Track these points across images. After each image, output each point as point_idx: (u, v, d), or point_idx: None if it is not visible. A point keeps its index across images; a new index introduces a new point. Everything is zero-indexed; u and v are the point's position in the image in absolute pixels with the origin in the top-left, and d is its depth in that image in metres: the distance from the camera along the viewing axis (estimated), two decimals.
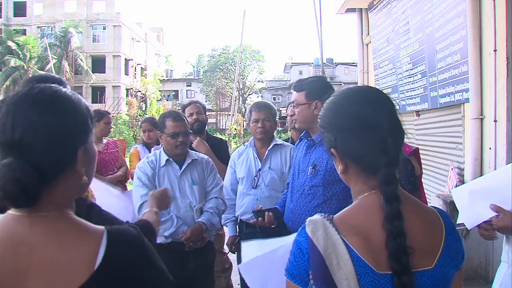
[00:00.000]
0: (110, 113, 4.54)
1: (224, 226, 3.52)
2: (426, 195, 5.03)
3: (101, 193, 2.59)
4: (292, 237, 1.46)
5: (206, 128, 3.75)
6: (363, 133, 1.02)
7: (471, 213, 1.91)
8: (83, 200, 0.98)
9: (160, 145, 2.94)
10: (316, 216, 1.00)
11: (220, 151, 3.68)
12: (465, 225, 1.95)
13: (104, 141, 4.31)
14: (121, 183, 4.17)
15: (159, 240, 2.67)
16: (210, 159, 3.00)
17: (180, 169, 2.80)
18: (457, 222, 1.93)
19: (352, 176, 1.07)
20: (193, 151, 2.99)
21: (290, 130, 3.90)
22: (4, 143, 0.86)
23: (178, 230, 2.67)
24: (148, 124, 4.41)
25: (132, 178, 3.86)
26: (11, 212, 0.88)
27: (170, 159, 2.79)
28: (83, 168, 0.92)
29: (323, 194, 2.19)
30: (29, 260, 0.83)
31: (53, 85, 0.93)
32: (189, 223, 2.73)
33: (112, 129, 4.54)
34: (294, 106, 2.35)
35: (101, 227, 0.90)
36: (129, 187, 4.46)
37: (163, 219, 2.64)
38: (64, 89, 0.93)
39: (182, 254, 2.69)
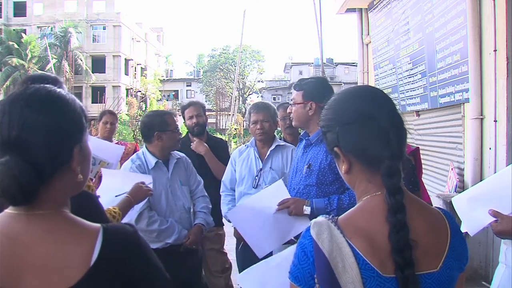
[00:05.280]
0: (113, 112, 4.30)
1: (223, 226, 3.52)
2: None
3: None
4: (285, 252, 1.51)
5: (206, 128, 3.73)
6: (365, 125, 1.02)
7: (472, 220, 1.94)
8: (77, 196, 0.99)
9: None
10: (321, 218, 0.99)
11: (220, 151, 3.67)
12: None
13: (114, 141, 4.13)
14: None
15: (157, 245, 2.64)
16: (186, 157, 3.00)
17: (168, 170, 2.79)
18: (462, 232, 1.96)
19: (357, 175, 1.05)
20: None
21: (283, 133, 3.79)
22: (1, 142, 0.87)
23: (180, 235, 2.68)
24: None
25: None
26: (8, 210, 0.90)
27: (160, 161, 2.76)
28: (79, 167, 0.93)
29: (316, 193, 2.24)
30: (26, 258, 0.84)
31: (48, 85, 0.95)
32: (185, 226, 2.74)
33: (116, 129, 4.28)
34: (292, 104, 2.41)
35: (97, 225, 0.91)
36: None
37: (164, 227, 2.64)
38: (58, 89, 0.95)
39: (178, 255, 2.69)
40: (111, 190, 2.33)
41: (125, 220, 2.59)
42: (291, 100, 2.44)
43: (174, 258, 2.64)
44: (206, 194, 2.97)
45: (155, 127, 2.76)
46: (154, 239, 2.64)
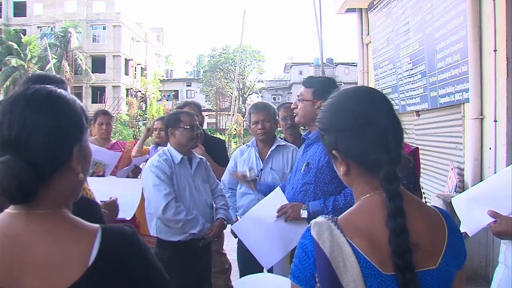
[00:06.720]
0: (106, 111, 4.26)
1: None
2: (426, 195, 5.05)
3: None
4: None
5: (206, 128, 3.73)
6: (363, 131, 1.02)
7: (471, 220, 1.95)
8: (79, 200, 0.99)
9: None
10: (321, 218, 0.99)
11: (218, 152, 3.66)
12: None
13: (113, 141, 4.11)
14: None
15: (179, 237, 2.73)
16: (205, 159, 3.08)
17: (191, 168, 2.87)
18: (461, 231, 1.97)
19: (355, 177, 1.06)
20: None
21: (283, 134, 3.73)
22: (1, 142, 0.88)
23: (204, 227, 2.74)
24: (160, 122, 4.33)
25: None
26: (8, 210, 0.90)
27: (185, 157, 2.85)
28: (79, 166, 0.93)
29: (314, 191, 2.23)
30: (25, 257, 0.85)
31: (48, 85, 0.96)
32: (208, 220, 2.81)
33: (112, 128, 4.26)
34: (299, 100, 2.38)
35: (96, 225, 0.91)
36: None
37: (190, 217, 2.71)
38: (58, 90, 0.95)
39: (196, 251, 2.78)
40: (98, 196, 2.24)
41: (152, 209, 2.73)
42: (298, 95, 2.39)
43: (194, 252, 2.75)
44: (224, 194, 3.09)
45: (170, 124, 2.88)
46: (178, 230, 2.71)
